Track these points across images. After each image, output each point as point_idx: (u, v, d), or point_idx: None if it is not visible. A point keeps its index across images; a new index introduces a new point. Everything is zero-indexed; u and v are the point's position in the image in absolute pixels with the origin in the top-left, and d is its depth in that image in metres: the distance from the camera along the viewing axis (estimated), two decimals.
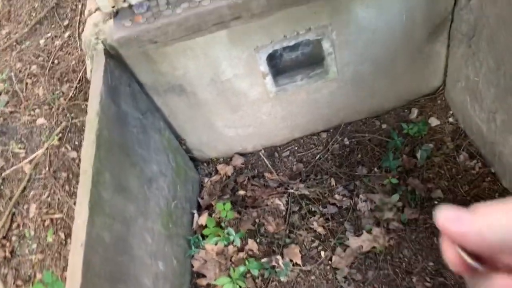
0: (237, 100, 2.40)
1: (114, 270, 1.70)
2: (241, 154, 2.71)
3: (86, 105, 2.59)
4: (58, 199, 2.12)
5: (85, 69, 2.47)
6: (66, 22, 2.65)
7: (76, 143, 2.35)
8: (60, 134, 2.36)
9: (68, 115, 2.40)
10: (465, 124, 2.42)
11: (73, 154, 2.30)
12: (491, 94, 2.06)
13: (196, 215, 2.45)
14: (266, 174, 2.59)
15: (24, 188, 2.18)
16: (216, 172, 2.67)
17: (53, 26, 2.68)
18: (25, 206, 2.14)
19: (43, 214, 2.09)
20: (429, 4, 2.14)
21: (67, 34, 2.64)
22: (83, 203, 1.68)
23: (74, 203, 2.11)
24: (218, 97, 2.36)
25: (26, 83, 2.53)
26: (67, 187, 2.20)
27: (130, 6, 1.84)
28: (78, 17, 2.68)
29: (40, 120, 2.38)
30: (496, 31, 1.85)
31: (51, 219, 2.08)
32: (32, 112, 2.40)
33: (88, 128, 1.80)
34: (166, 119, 2.41)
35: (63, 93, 2.48)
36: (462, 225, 0.37)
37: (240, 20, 1.80)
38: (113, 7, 1.82)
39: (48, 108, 2.43)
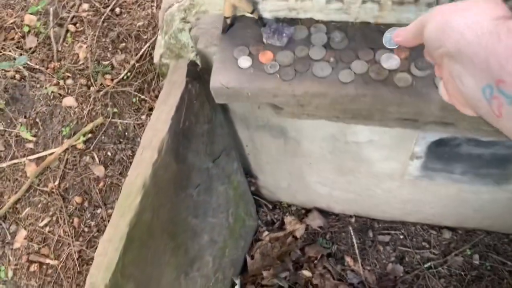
0: (354, 166, 1.58)
1: None
2: (322, 212, 1.95)
3: (139, 100, 1.79)
4: (59, 235, 1.44)
5: (155, 44, 1.63)
6: None
7: (109, 154, 1.57)
8: (90, 135, 1.59)
9: (109, 106, 1.59)
10: None
11: (99, 170, 1.56)
12: None
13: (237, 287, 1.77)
14: (348, 259, 1.85)
15: (19, 200, 1.49)
16: (282, 225, 1.93)
17: None
18: (12, 228, 1.46)
19: (32, 251, 1.42)
20: None
21: None
22: None
23: (79, 252, 1.44)
24: (330, 155, 1.54)
25: (67, 31, 1.68)
26: (75, 221, 1.49)
27: (260, 20, 0.97)
28: None
29: (69, 100, 1.58)
30: None
31: (40, 264, 1.41)
32: (61, 82, 1.60)
33: (121, 209, 1.05)
34: (244, 157, 1.62)
35: (112, 67, 1.64)
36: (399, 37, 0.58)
37: (447, 128, 0.94)
38: (227, 17, 0.96)
39: (85, 84, 1.62)
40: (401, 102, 0.87)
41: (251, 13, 0.94)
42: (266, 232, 1.91)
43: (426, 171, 1.52)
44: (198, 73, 1.19)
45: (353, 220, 1.93)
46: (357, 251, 1.85)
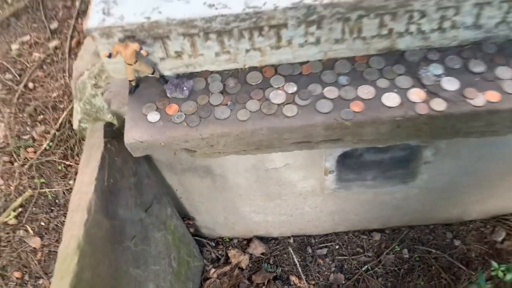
0: (278, 190, 1.72)
1: None
2: (262, 239, 2.05)
3: (65, 166, 1.84)
4: None
5: (72, 111, 1.68)
6: (54, 25, 1.76)
7: (43, 224, 1.59)
8: (20, 209, 1.60)
9: (36, 178, 1.62)
10: None
11: (35, 241, 1.57)
12: None
13: None
14: (293, 278, 1.95)
15: None
16: (227, 260, 2.01)
17: (35, 25, 1.79)
18: None
19: None
20: None
21: (53, 44, 1.77)
22: None
23: None
24: (255, 184, 1.67)
25: None
26: None
27: (162, 78, 1.09)
28: (73, 21, 1.80)
29: None
30: None
31: None
32: None
33: (60, 273, 1.09)
34: (177, 201, 1.71)
35: (34, 140, 1.68)
36: None
37: (336, 143, 1.09)
38: (131, 80, 1.07)
39: (8, 161, 1.64)
40: (291, 129, 1.02)
41: (152, 74, 1.06)
42: (213, 270, 1.97)
43: (341, 182, 1.69)
44: (115, 132, 1.28)
45: (291, 240, 2.05)
46: (299, 269, 1.97)
